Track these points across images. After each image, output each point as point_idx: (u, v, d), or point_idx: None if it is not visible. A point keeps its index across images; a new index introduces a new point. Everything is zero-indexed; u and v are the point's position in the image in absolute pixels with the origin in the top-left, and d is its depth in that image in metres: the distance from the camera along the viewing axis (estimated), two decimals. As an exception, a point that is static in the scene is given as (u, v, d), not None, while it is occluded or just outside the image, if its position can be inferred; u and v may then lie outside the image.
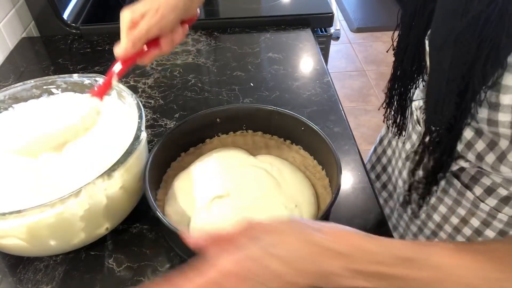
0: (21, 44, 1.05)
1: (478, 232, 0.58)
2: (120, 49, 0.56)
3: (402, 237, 0.75)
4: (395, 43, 0.57)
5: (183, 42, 1.04)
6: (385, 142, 0.77)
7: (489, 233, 0.57)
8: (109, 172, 0.51)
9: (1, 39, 0.98)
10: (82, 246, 0.58)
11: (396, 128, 0.63)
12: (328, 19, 1.12)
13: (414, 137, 0.63)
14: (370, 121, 2.21)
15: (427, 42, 0.49)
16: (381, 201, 0.80)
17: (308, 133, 0.64)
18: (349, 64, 2.63)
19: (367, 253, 0.37)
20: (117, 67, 0.57)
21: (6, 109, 0.66)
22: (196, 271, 0.37)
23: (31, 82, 0.66)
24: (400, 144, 0.70)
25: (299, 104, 0.84)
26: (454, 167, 0.55)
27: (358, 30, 2.93)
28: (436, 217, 0.63)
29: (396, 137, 0.67)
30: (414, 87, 0.58)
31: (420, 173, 0.58)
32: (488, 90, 0.41)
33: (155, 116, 0.82)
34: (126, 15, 0.55)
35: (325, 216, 0.53)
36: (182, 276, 0.37)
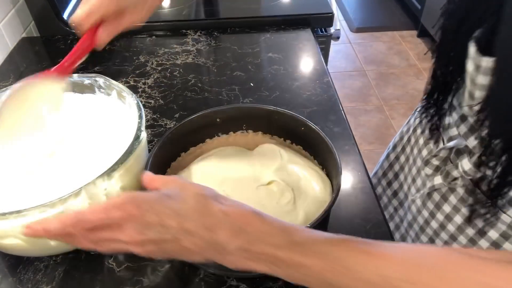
0: (21, 44, 1.05)
1: (495, 245, 0.56)
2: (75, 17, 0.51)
3: None
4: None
5: (183, 42, 1.04)
6: (399, 148, 0.75)
7: (492, 234, 0.56)
8: (109, 172, 0.51)
9: (1, 39, 0.98)
10: (82, 246, 0.58)
11: (430, 135, 0.62)
12: (328, 19, 1.12)
13: (432, 143, 0.62)
14: (370, 121, 2.21)
15: (472, 47, 0.48)
16: (391, 209, 0.79)
17: (308, 133, 0.64)
18: (349, 64, 2.63)
19: (259, 232, 0.36)
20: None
21: (6, 109, 0.65)
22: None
23: (31, 82, 0.66)
24: (415, 151, 0.69)
25: (299, 104, 0.84)
26: (477, 175, 0.54)
27: (358, 30, 2.93)
28: (451, 228, 0.61)
29: (411, 144, 0.66)
30: (453, 94, 0.56)
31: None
32: None
33: (155, 116, 0.82)
34: None
35: (325, 216, 0.53)
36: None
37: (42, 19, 1.07)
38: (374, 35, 2.89)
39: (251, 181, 0.62)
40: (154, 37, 1.06)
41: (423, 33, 2.78)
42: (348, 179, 0.68)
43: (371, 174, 0.85)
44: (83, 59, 0.53)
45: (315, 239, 0.37)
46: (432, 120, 0.61)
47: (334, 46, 1.36)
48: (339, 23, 1.18)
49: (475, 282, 0.30)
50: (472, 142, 0.54)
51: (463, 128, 0.56)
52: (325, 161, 0.63)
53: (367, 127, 2.17)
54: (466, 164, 0.55)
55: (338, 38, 1.20)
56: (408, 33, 2.87)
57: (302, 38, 1.05)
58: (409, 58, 2.63)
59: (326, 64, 0.99)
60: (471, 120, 0.55)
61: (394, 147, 0.77)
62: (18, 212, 0.47)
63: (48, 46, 1.06)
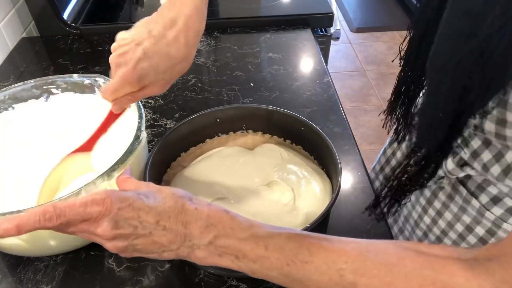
0: (21, 44, 1.05)
1: (482, 240, 0.57)
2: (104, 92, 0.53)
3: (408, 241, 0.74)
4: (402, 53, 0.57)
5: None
6: (395, 144, 0.75)
7: (479, 230, 0.56)
8: (109, 172, 0.51)
9: (1, 39, 0.98)
10: (82, 246, 0.58)
11: (396, 136, 0.62)
12: (328, 19, 1.12)
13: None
14: (370, 121, 2.21)
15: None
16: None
17: (308, 133, 0.64)
18: (349, 64, 2.63)
19: (227, 228, 0.38)
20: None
21: (6, 109, 0.66)
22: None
23: (31, 82, 0.66)
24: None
25: (299, 104, 0.84)
26: (461, 174, 0.55)
27: (358, 30, 2.93)
28: (442, 223, 0.62)
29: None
30: (417, 99, 0.57)
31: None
32: (485, 114, 0.40)
33: (155, 116, 0.82)
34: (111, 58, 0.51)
35: (325, 216, 0.53)
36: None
37: (42, 19, 1.07)
38: (374, 35, 2.89)
39: (251, 181, 0.62)
40: (154, 37, 1.06)
41: (423, 33, 2.78)
42: (348, 179, 0.68)
43: (369, 170, 0.85)
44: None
45: (278, 234, 0.39)
46: (398, 124, 0.61)
47: (334, 46, 1.36)
48: (339, 23, 1.18)
49: (419, 275, 0.34)
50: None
51: None
52: (325, 161, 0.63)
53: (367, 127, 2.17)
54: (450, 164, 0.55)
55: (338, 38, 1.20)
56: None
57: (302, 38, 1.05)
58: (409, 58, 2.63)
59: (326, 64, 0.99)
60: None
61: (391, 142, 0.77)
62: (18, 212, 0.46)
63: (48, 46, 1.06)
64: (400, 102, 0.58)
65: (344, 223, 0.62)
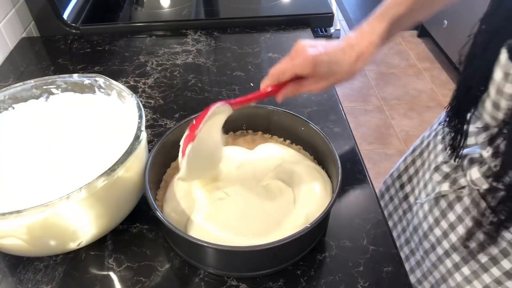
0: (21, 44, 1.05)
1: (493, 260, 0.56)
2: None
3: (412, 252, 0.73)
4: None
5: (183, 42, 1.04)
6: (417, 152, 0.75)
7: (492, 249, 0.56)
8: (109, 172, 0.51)
9: (1, 39, 0.98)
10: (82, 246, 0.58)
11: (451, 150, 0.60)
12: (328, 19, 1.12)
13: (450, 151, 0.61)
14: (370, 121, 2.21)
15: (503, 54, 0.47)
16: (400, 212, 0.79)
17: (308, 133, 0.64)
18: (349, 64, 2.63)
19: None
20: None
21: (6, 109, 0.66)
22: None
23: (31, 82, 0.66)
24: (432, 156, 0.68)
25: (299, 104, 0.84)
26: (485, 186, 0.53)
27: (358, 30, 2.92)
28: (453, 237, 0.61)
29: (429, 149, 0.65)
30: (475, 107, 0.55)
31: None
32: None
33: (155, 116, 0.82)
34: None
35: (325, 216, 0.53)
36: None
37: (42, 19, 1.07)
38: (374, 35, 2.88)
39: (251, 181, 0.62)
40: (154, 37, 1.06)
41: (423, 33, 2.78)
42: (348, 179, 0.68)
43: (387, 175, 0.85)
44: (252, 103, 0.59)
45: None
46: (454, 137, 0.59)
47: (334, 46, 1.36)
48: (339, 23, 1.18)
49: None
50: (487, 152, 0.53)
51: (482, 138, 0.55)
52: (325, 161, 0.64)
53: (367, 127, 2.17)
54: (475, 173, 0.54)
55: (338, 38, 1.20)
56: (408, 33, 2.87)
57: (302, 38, 1.04)
58: (409, 58, 2.63)
59: (326, 64, 0.98)
60: (492, 130, 0.53)
61: (413, 150, 0.76)
62: (18, 212, 0.46)
63: (48, 46, 1.06)
64: (459, 110, 0.57)
65: (344, 223, 0.62)
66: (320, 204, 0.58)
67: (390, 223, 0.82)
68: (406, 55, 2.65)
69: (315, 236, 0.58)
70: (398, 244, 0.78)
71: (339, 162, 0.57)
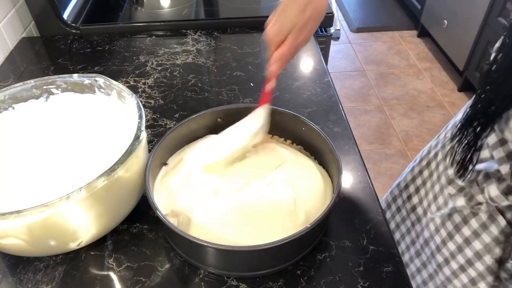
0: (21, 44, 1.05)
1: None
2: (270, 71, 0.58)
3: (424, 265, 0.72)
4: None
5: (183, 42, 1.04)
6: (424, 162, 0.73)
7: (511, 266, 0.54)
8: (109, 172, 0.51)
9: (1, 39, 0.98)
10: (82, 246, 0.58)
11: (458, 167, 0.56)
12: (328, 19, 1.12)
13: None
14: (370, 121, 2.21)
15: None
16: (408, 223, 0.77)
17: (308, 133, 0.64)
18: (349, 64, 2.63)
19: None
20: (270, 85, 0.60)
21: (6, 109, 0.66)
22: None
23: (31, 82, 0.66)
24: (441, 168, 0.66)
25: (299, 104, 0.84)
26: (505, 203, 0.51)
27: (358, 30, 2.93)
28: (468, 252, 0.59)
29: (437, 160, 0.63)
30: (492, 127, 0.51)
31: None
32: None
33: (155, 116, 0.82)
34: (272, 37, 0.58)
35: (326, 216, 0.53)
36: None
37: (42, 19, 1.07)
38: (374, 35, 2.89)
39: (252, 181, 0.62)
40: (154, 37, 1.06)
41: (423, 33, 2.78)
42: (348, 179, 0.68)
43: (393, 185, 0.83)
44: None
45: None
46: (464, 152, 0.55)
47: (334, 46, 1.36)
48: (339, 23, 1.18)
49: None
50: (506, 168, 0.50)
51: (500, 153, 0.52)
52: (326, 161, 0.64)
53: (367, 127, 2.17)
54: (493, 190, 0.52)
55: (338, 38, 1.20)
56: (408, 33, 2.87)
57: (302, 38, 1.05)
58: (409, 58, 2.63)
59: (326, 64, 0.99)
60: (511, 146, 0.50)
61: (420, 160, 0.74)
62: (18, 212, 0.46)
63: (48, 46, 1.06)
64: (471, 129, 0.53)
65: (344, 223, 0.62)
66: (320, 204, 0.58)
67: (398, 235, 0.81)
68: (406, 55, 2.65)
69: (315, 236, 0.58)
70: (408, 257, 0.78)
71: (339, 162, 0.57)
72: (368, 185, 0.67)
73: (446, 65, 2.54)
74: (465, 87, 2.34)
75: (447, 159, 0.63)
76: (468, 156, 0.54)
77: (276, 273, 0.56)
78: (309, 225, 0.50)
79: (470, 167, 0.54)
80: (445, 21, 2.40)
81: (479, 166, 0.55)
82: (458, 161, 0.56)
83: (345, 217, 0.63)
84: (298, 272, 0.56)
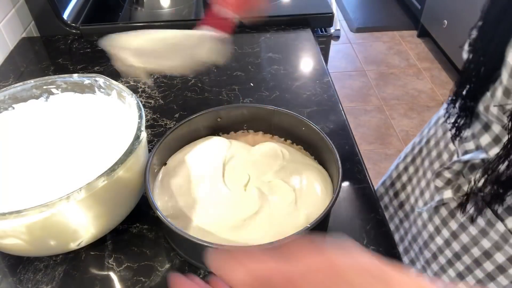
0: (21, 44, 1.05)
1: (501, 268, 0.54)
2: None
3: (413, 262, 0.72)
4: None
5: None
6: (409, 159, 0.73)
7: (498, 257, 0.54)
8: (109, 172, 0.51)
9: (1, 39, 0.98)
10: (82, 246, 0.58)
11: (455, 129, 0.57)
12: (328, 19, 1.12)
13: (445, 156, 0.60)
14: (370, 121, 2.21)
15: None
16: (397, 221, 0.77)
17: (308, 133, 0.64)
18: (349, 64, 2.63)
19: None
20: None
21: (6, 109, 0.66)
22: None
23: (31, 82, 0.66)
24: (426, 163, 0.67)
25: (299, 104, 0.84)
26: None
27: (358, 30, 2.93)
28: (456, 246, 0.59)
29: (422, 155, 0.62)
30: (487, 88, 0.51)
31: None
32: None
33: (155, 116, 0.82)
34: None
35: (326, 216, 0.53)
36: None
37: (42, 19, 1.07)
38: (374, 35, 2.89)
39: (252, 181, 0.62)
40: (154, 37, 1.06)
41: (423, 33, 2.78)
42: (348, 179, 0.68)
43: (379, 183, 0.84)
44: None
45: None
46: (456, 121, 0.56)
47: (334, 46, 1.36)
48: (339, 23, 1.18)
49: None
50: (495, 152, 0.50)
51: (486, 139, 0.52)
52: (326, 161, 0.64)
53: (367, 127, 2.17)
54: (480, 179, 0.52)
55: (338, 38, 1.20)
56: (408, 33, 2.87)
57: (302, 38, 1.05)
58: (409, 58, 2.63)
59: (326, 64, 0.98)
60: (496, 129, 0.51)
61: (405, 157, 0.75)
62: (18, 212, 0.46)
63: (48, 46, 1.06)
64: (465, 91, 0.54)
65: (344, 223, 0.62)
66: (320, 204, 0.58)
67: None
68: (406, 55, 2.65)
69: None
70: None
71: (339, 162, 0.57)
72: (368, 185, 0.67)
73: (446, 65, 2.54)
74: (465, 87, 2.34)
75: (433, 152, 0.63)
76: (464, 117, 0.55)
77: (276, 273, 0.56)
78: (309, 225, 0.50)
79: (468, 121, 0.55)
80: (445, 21, 2.40)
81: (465, 157, 0.55)
82: (453, 123, 0.57)
83: (345, 217, 0.63)
84: (298, 272, 0.56)
